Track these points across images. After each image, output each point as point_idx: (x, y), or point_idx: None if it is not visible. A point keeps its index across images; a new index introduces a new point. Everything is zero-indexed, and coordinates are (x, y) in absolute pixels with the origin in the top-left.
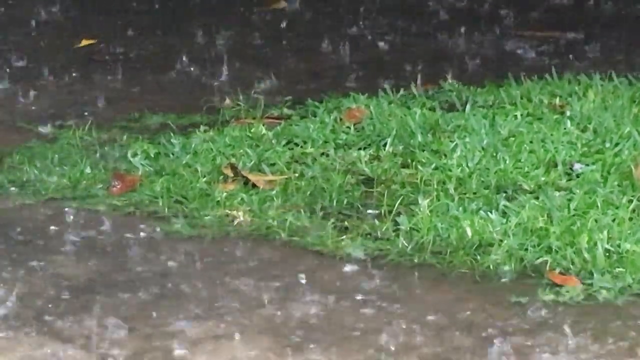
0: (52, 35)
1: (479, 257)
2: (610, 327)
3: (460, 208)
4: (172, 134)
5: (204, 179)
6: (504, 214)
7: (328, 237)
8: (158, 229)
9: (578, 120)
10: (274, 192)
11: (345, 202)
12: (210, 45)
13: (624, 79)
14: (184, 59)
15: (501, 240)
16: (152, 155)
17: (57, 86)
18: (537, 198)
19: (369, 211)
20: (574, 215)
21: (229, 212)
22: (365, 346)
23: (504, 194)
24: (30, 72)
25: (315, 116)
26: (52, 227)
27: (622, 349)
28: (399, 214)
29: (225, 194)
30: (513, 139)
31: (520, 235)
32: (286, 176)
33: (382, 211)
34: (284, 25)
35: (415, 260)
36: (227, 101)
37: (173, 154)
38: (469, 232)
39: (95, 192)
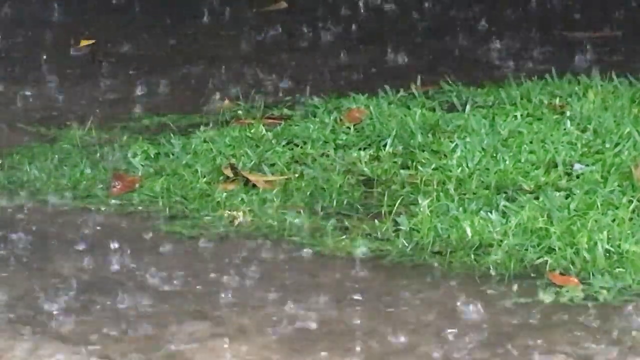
0: (52, 35)
1: (479, 257)
2: (610, 327)
3: (460, 208)
4: (172, 134)
5: (204, 179)
6: (504, 214)
7: (328, 237)
8: (158, 229)
9: (578, 121)
10: (274, 192)
11: (345, 202)
12: (210, 46)
13: (624, 79)
14: (184, 59)
15: (501, 241)
16: (152, 156)
17: (57, 86)
18: (537, 198)
19: (369, 211)
20: (574, 216)
21: (229, 212)
22: (365, 346)
23: (504, 194)
24: (30, 72)
25: (315, 116)
26: (52, 228)
27: (622, 349)
28: (399, 214)
29: (225, 194)
30: (513, 139)
31: (520, 235)
32: (286, 176)
33: (382, 211)
34: (284, 25)
35: (415, 260)
36: (226, 102)
37: (173, 154)
38: (469, 232)
39: (95, 192)
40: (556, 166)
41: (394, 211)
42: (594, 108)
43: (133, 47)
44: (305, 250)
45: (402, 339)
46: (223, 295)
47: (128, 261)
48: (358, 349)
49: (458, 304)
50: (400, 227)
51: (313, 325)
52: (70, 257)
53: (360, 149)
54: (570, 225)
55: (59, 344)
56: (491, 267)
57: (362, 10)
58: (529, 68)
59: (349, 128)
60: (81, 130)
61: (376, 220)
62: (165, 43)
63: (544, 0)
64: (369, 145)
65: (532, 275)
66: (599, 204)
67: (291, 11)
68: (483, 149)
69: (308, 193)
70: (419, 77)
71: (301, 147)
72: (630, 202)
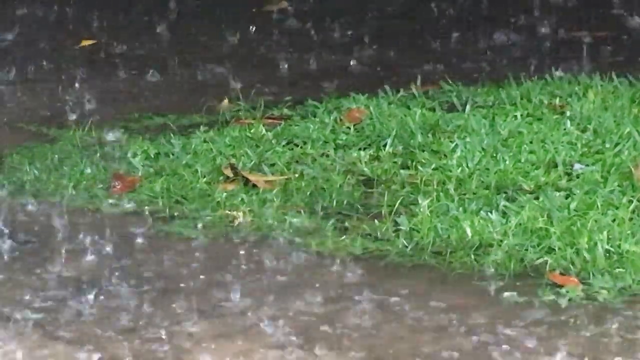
0: (52, 35)
1: (479, 258)
2: (610, 327)
3: (460, 208)
4: (172, 134)
5: (204, 179)
6: (504, 214)
7: (328, 237)
8: (158, 229)
9: (578, 121)
10: (274, 192)
11: (345, 202)
12: (210, 45)
13: (624, 79)
14: (184, 59)
15: (501, 241)
16: (152, 156)
17: (57, 86)
18: (537, 198)
19: (369, 211)
20: (574, 216)
21: (229, 212)
22: (365, 346)
23: (504, 194)
24: (30, 72)
25: (315, 116)
26: (52, 228)
27: (622, 349)
28: (399, 214)
29: (225, 194)
30: (513, 139)
31: (520, 235)
32: (286, 176)
33: (382, 211)
34: (284, 25)
35: (415, 261)
36: (225, 102)
37: (173, 154)
38: (469, 232)
39: (95, 192)
40: (556, 166)
41: (394, 211)
42: (594, 108)
43: (133, 47)
44: (305, 250)
45: (402, 339)
46: (223, 295)
47: (128, 261)
48: (358, 349)
49: (458, 304)
50: (400, 227)
51: (313, 325)
52: (70, 257)
53: (360, 149)
54: (570, 225)
55: (59, 344)
56: (491, 267)
57: (362, 10)
58: (529, 68)
59: (349, 128)
60: (81, 131)
61: (376, 220)
62: (165, 43)
63: (543, 1)
64: (369, 145)
65: (532, 275)
66: (599, 204)
67: (291, 11)
68: (483, 149)
69: (308, 193)
70: (419, 77)
71: (301, 147)
72: (630, 202)
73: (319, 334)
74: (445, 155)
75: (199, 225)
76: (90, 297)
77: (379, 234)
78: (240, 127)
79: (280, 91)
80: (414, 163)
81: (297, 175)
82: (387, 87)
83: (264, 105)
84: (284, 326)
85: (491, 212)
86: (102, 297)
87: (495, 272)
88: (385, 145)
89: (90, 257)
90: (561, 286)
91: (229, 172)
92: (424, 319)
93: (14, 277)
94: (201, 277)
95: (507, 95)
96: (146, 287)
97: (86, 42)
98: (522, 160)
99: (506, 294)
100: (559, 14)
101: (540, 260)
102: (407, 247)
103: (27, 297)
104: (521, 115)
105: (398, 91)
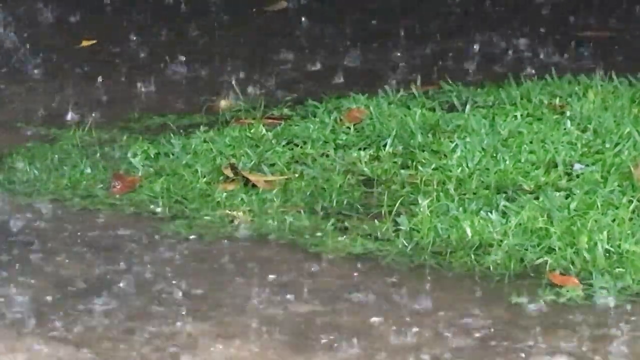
0: (52, 35)
1: (479, 258)
2: (610, 327)
3: (460, 208)
4: (172, 134)
5: (204, 179)
6: (504, 214)
7: (328, 237)
8: (158, 229)
9: (578, 121)
10: (274, 192)
11: (345, 202)
12: (210, 45)
13: (624, 79)
14: (184, 58)
15: (501, 241)
16: (152, 156)
17: (57, 86)
18: (537, 198)
19: (369, 211)
20: (574, 216)
21: (229, 212)
22: (365, 346)
23: (504, 194)
24: (30, 72)
25: (315, 116)
26: (52, 228)
27: (622, 349)
28: (399, 214)
29: (225, 194)
30: (513, 139)
31: (520, 235)
32: (286, 176)
33: (382, 211)
34: (284, 25)
35: (415, 260)
36: (225, 102)
37: (173, 154)
38: (469, 232)
39: (95, 192)
40: (556, 166)
41: (394, 211)
42: (594, 108)
43: (133, 47)
44: (305, 250)
45: (403, 339)
46: (223, 296)
47: (128, 261)
48: (357, 348)
49: (458, 304)
50: (400, 227)
51: (313, 326)
52: (70, 258)
53: (360, 149)
54: (570, 225)
55: (59, 345)
56: (491, 267)
57: (361, 10)
58: (528, 68)
59: (349, 128)
60: (81, 131)
61: (376, 220)
62: (165, 43)
63: (544, 1)
64: (369, 145)
65: (532, 275)
66: (599, 204)
67: (291, 11)
68: (483, 149)
69: (308, 193)
70: (419, 77)
71: (301, 147)
72: (630, 202)
73: (318, 334)
74: (445, 155)
75: (199, 225)
76: (90, 297)
77: (379, 234)
78: (240, 127)
79: (280, 91)
80: (414, 163)
81: (297, 175)
82: (387, 87)
83: (264, 105)
84: (284, 326)
85: (491, 212)
86: (101, 297)
87: (495, 272)
88: (385, 145)
89: (89, 257)
90: (561, 286)
91: (229, 172)
92: (423, 318)
93: (14, 277)
94: (201, 277)
95: (507, 95)
96: (145, 287)
97: (86, 42)
98: (522, 160)
99: (506, 293)
100: (559, 14)
101: (540, 260)
102: (407, 247)
103: (26, 297)
104: (521, 115)
105: (398, 91)
